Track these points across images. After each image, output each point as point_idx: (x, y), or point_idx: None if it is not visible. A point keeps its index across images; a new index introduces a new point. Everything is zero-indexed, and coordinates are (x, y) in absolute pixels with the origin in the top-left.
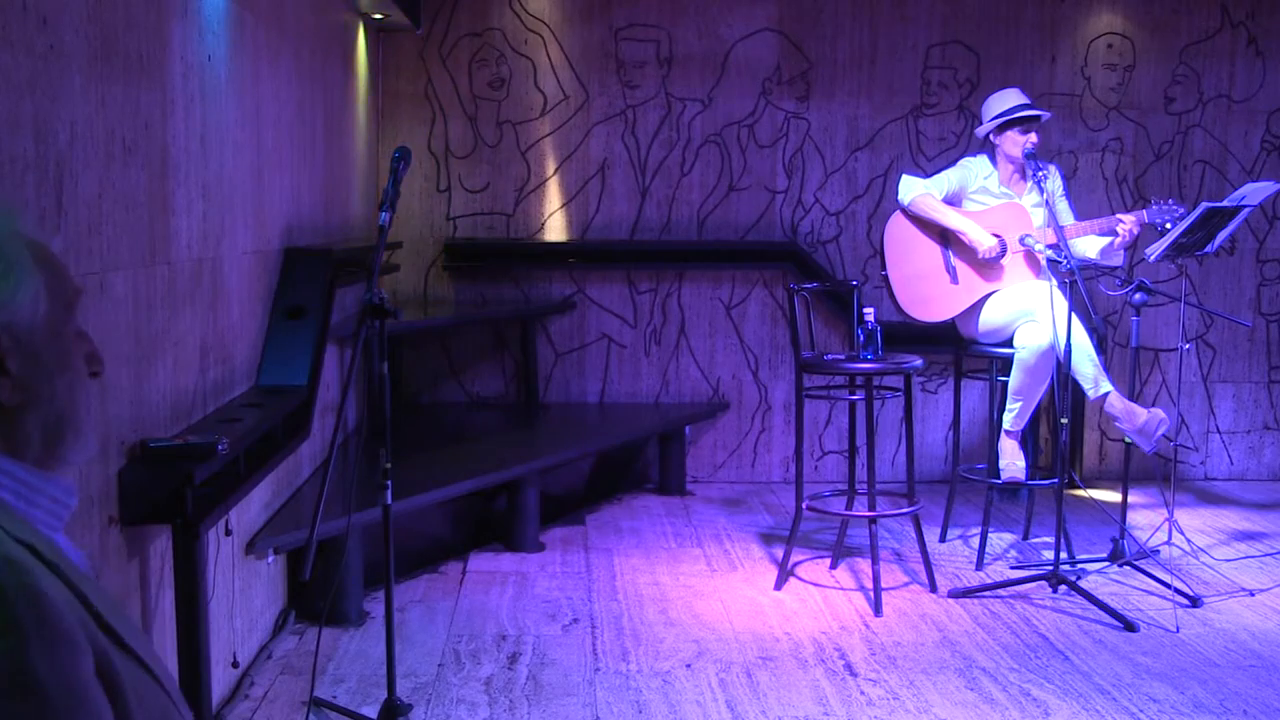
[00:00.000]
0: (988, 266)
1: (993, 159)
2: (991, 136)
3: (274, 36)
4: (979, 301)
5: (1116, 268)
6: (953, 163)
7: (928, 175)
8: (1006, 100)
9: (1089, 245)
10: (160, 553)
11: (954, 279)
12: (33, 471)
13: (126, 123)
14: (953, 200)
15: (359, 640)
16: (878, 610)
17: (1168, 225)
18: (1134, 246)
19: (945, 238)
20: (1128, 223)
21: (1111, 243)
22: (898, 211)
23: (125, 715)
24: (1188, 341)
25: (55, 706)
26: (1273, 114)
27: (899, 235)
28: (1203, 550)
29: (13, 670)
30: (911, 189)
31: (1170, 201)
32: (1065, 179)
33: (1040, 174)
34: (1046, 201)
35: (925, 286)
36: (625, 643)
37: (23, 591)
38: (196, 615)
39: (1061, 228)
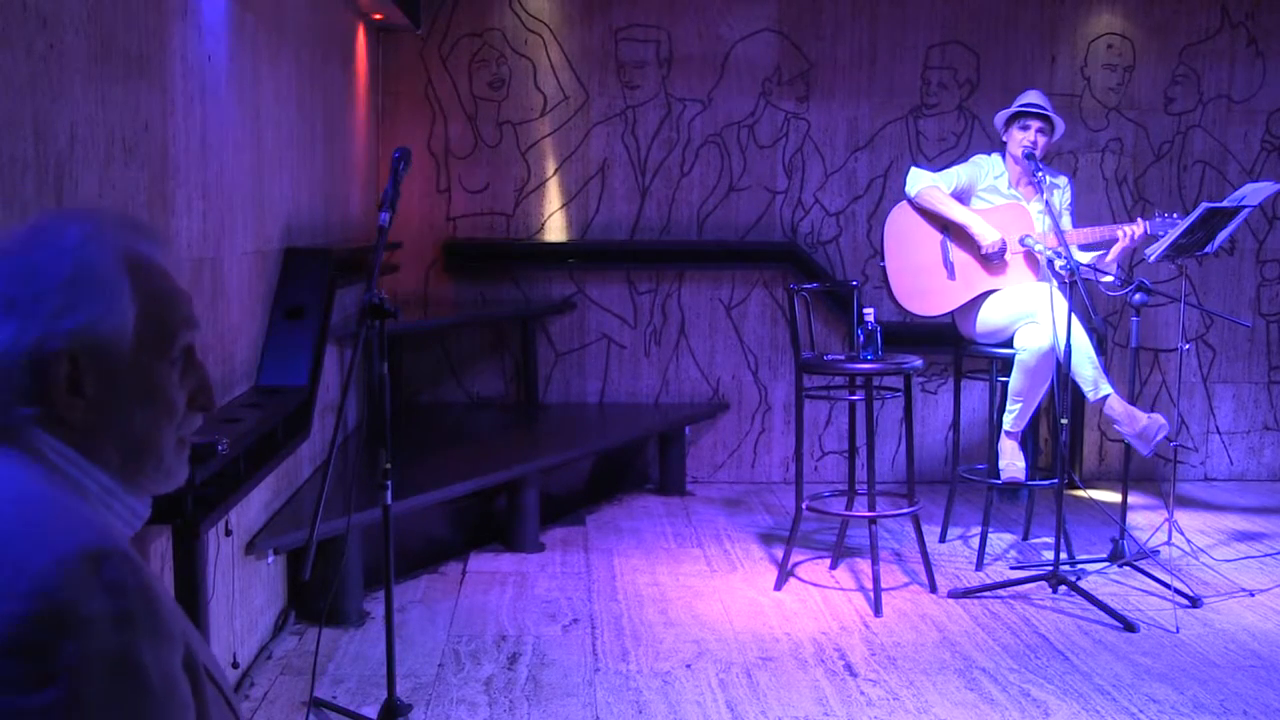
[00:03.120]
0: (988, 264)
1: (1005, 159)
2: (1003, 135)
3: (274, 37)
4: (977, 301)
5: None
6: (960, 159)
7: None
8: (1024, 99)
9: (1082, 256)
10: (160, 553)
11: (951, 274)
12: (114, 479)
13: (126, 123)
14: (961, 196)
15: (359, 640)
16: (878, 610)
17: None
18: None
19: (946, 231)
20: (1128, 233)
21: (1107, 252)
22: (902, 203)
23: (203, 710)
24: (1188, 342)
25: (156, 696)
26: (1273, 114)
27: (900, 227)
28: (1203, 551)
29: (125, 659)
30: (919, 181)
31: (1174, 215)
32: (1074, 193)
33: (1040, 176)
34: (1048, 203)
35: (921, 280)
36: (625, 643)
37: (136, 585)
38: (196, 615)
39: (1063, 232)
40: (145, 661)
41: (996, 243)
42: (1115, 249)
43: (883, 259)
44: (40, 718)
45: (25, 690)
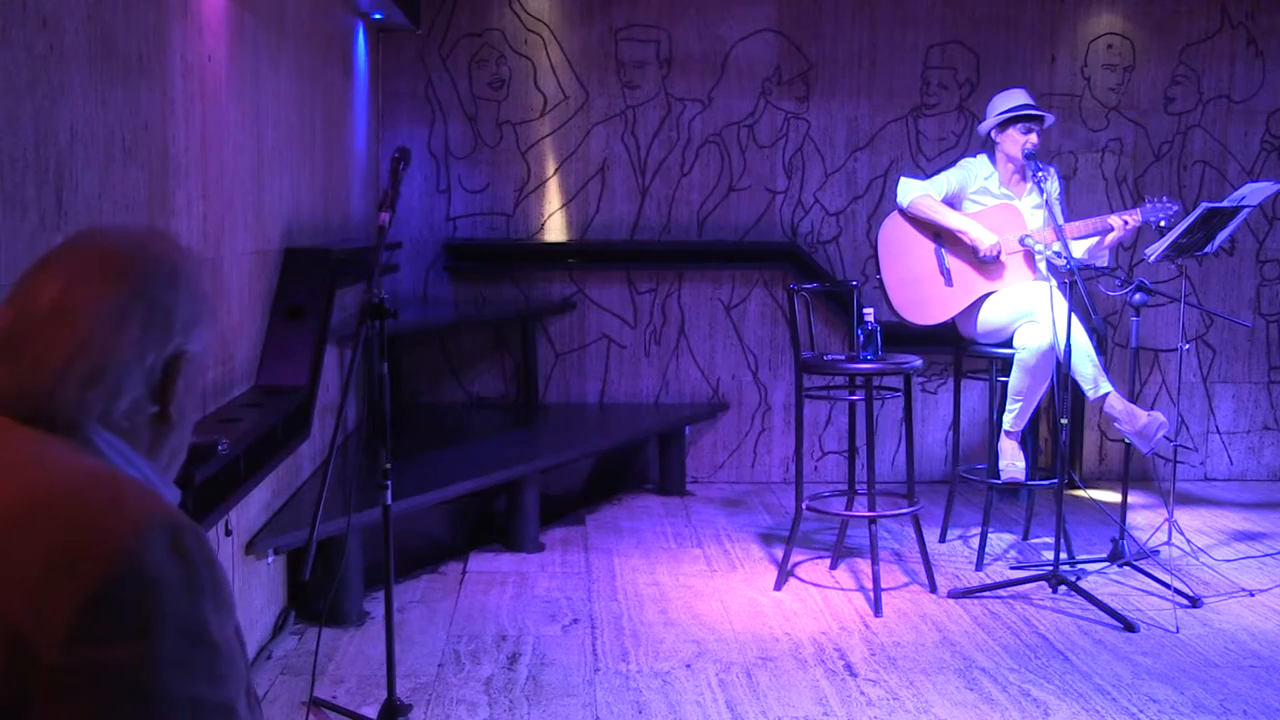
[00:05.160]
0: (985, 267)
1: (993, 159)
2: (993, 135)
3: (274, 37)
4: (978, 302)
5: (1115, 268)
6: (952, 163)
7: (927, 176)
8: (1012, 99)
9: (1076, 244)
10: None
11: (948, 281)
12: (157, 474)
13: (126, 123)
14: (952, 201)
15: (359, 640)
16: (878, 610)
17: (1162, 223)
18: (1133, 246)
19: (939, 239)
20: (1121, 222)
21: (1102, 238)
22: (893, 213)
23: (250, 679)
24: (1188, 342)
25: (220, 658)
26: (1272, 114)
27: (893, 237)
28: (1203, 550)
29: (195, 621)
30: (910, 190)
31: (1164, 199)
32: (1063, 181)
33: (1040, 175)
34: (1046, 202)
35: (920, 290)
36: (625, 643)
37: (205, 557)
38: None
39: (1061, 228)
40: (210, 626)
41: (994, 246)
42: (1109, 238)
43: (879, 272)
44: (118, 670)
45: (107, 642)
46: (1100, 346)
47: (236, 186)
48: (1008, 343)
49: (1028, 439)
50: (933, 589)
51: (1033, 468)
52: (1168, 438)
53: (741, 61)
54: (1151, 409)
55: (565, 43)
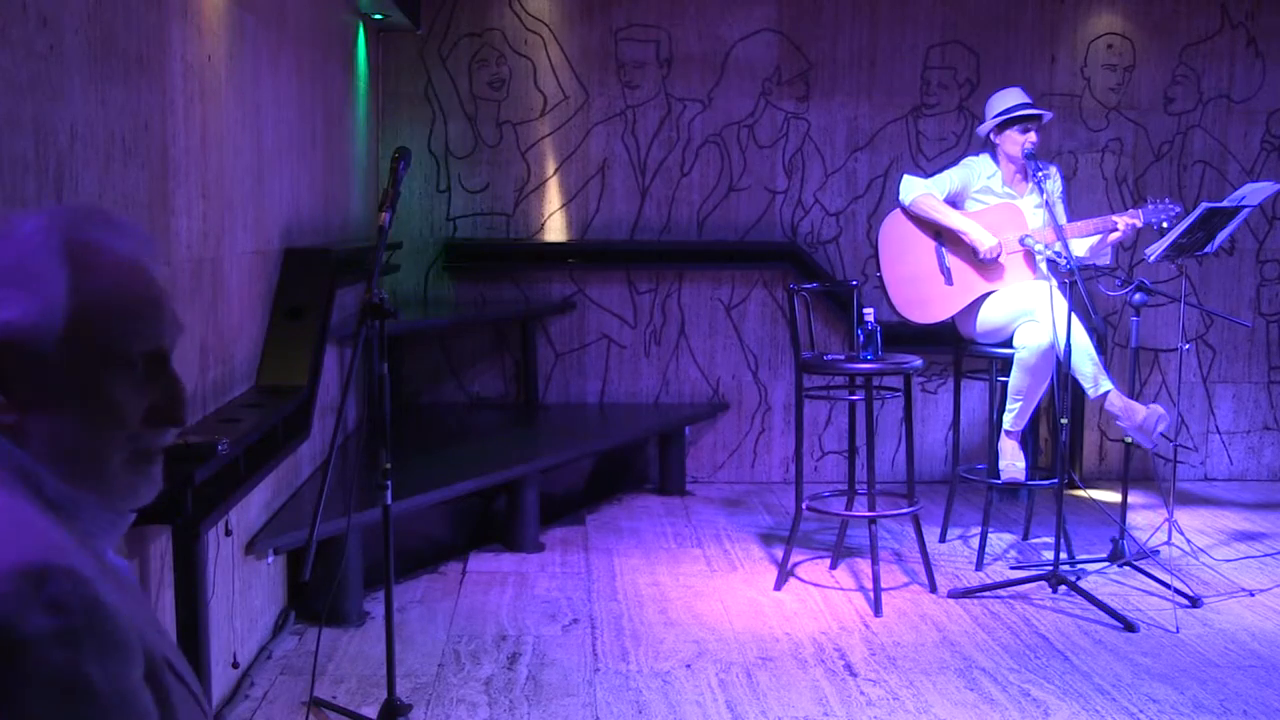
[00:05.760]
0: (985, 267)
1: (995, 158)
2: (992, 136)
3: (274, 37)
4: (977, 302)
5: (1115, 268)
6: (954, 162)
7: (928, 176)
8: (1007, 99)
9: (1079, 244)
10: (160, 553)
11: (949, 280)
12: (81, 490)
13: (126, 123)
14: (954, 200)
15: (359, 640)
16: (878, 610)
17: (1164, 224)
18: (1133, 246)
19: (940, 238)
20: (1123, 223)
21: (1104, 237)
22: (895, 211)
23: (166, 715)
24: (1188, 342)
25: (108, 712)
26: (1272, 114)
27: (894, 235)
28: (1203, 550)
29: (71, 678)
30: (913, 189)
31: (1166, 200)
32: (1065, 180)
33: (1041, 174)
34: (1047, 202)
35: (920, 288)
36: (625, 643)
37: (81, 601)
38: (196, 615)
39: (1061, 227)
40: (93, 678)
41: (994, 248)
42: (1111, 237)
43: (879, 269)
44: None
45: None
46: (1100, 346)
47: (236, 186)
48: (1007, 342)
49: (1028, 439)
50: (933, 589)
51: (1033, 468)
52: (1167, 436)
53: (741, 61)
54: (1150, 403)
55: (565, 43)
